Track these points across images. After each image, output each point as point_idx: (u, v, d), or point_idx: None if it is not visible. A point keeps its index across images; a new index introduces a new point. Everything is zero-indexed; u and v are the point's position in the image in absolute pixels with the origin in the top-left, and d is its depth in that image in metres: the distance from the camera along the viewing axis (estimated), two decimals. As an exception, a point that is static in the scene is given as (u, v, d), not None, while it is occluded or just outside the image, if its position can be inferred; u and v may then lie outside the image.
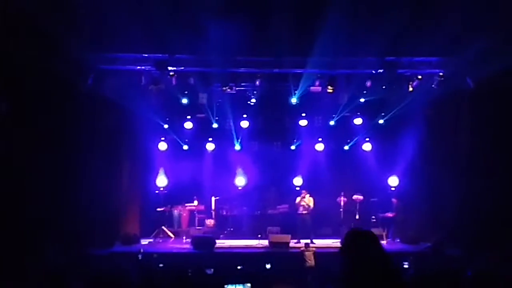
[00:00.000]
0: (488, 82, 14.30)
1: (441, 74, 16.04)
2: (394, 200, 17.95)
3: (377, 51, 15.17)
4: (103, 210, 15.73)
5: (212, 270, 8.66)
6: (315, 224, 18.06)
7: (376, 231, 17.42)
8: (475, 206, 15.22)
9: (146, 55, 15.86)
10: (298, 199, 17.69)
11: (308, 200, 17.58)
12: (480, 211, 14.97)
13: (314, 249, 14.71)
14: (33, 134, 13.36)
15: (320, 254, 14.57)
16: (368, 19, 13.77)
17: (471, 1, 13.16)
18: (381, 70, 16.12)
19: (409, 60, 16.03)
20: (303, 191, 17.77)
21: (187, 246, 16.21)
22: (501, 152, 14.60)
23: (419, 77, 16.25)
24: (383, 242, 17.09)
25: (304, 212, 17.56)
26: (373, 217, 18.34)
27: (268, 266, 9.90)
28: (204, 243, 15.70)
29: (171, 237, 17.82)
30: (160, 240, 17.40)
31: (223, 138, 19.46)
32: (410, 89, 16.58)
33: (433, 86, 16.32)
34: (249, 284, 7.41)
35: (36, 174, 13.50)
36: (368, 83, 16.84)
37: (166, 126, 18.79)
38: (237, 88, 17.32)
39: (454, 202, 16.10)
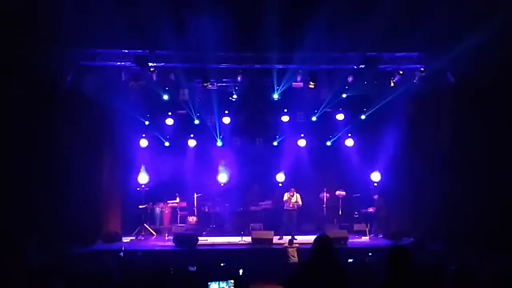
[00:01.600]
0: (469, 78, 14.33)
1: (422, 69, 16.10)
2: (375, 196, 17.97)
3: (358, 46, 15.15)
4: (84, 208, 15.52)
5: (195, 267, 8.57)
6: (299, 220, 18.04)
7: (359, 226, 17.58)
8: (457, 201, 15.27)
9: (126, 51, 15.71)
10: (286, 195, 17.52)
11: (296, 198, 17.55)
12: (462, 206, 15.03)
13: (297, 245, 14.67)
14: (12, 132, 13.15)
15: (303, 250, 14.53)
16: (350, 14, 13.75)
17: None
18: (362, 66, 16.14)
19: (390, 55, 16.07)
20: (292, 189, 17.68)
21: (169, 243, 16.09)
22: (482, 147, 14.64)
23: (401, 72, 16.30)
24: (366, 237, 17.15)
25: (292, 209, 17.50)
26: (356, 212, 18.39)
27: (241, 271, 9.84)
28: (186, 240, 15.59)
29: (153, 235, 17.69)
30: (142, 238, 17.26)
31: (204, 134, 19.37)
32: (392, 84, 16.64)
33: (414, 81, 16.38)
34: (232, 281, 7.35)
35: (15, 173, 13.26)
36: (350, 79, 16.85)
37: (147, 122, 18.67)
38: (218, 84, 17.31)
39: (436, 197, 16.15)
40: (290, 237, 15.35)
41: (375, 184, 18.34)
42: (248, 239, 16.34)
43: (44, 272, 9.39)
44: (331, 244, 5.64)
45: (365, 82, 17.19)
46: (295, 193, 17.54)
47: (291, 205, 17.43)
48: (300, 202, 17.55)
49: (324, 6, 13.47)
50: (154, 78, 16.38)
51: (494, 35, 12.53)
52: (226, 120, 18.83)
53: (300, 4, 13.99)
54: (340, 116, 18.94)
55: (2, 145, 12.79)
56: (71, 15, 13.54)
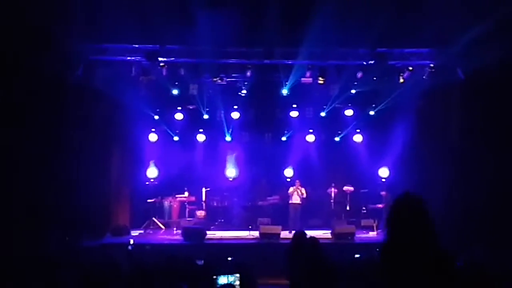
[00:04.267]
0: (479, 74, 14.28)
1: (431, 65, 16.07)
2: (383, 192, 17.96)
3: (368, 42, 15.17)
4: (94, 202, 15.61)
5: (203, 261, 8.63)
6: (306, 215, 18.09)
7: (366, 222, 17.57)
8: (465, 197, 15.25)
9: (136, 45, 15.75)
10: (291, 189, 17.66)
11: (302, 191, 17.63)
12: (470, 202, 15.00)
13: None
14: (24, 126, 13.26)
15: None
16: (359, 10, 13.76)
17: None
18: (372, 62, 16.11)
19: (400, 51, 16.01)
20: (297, 181, 17.79)
21: (178, 237, 16.17)
22: (491, 144, 14.60)
23: (410, 68, 16.25)
24: (374, 233, 17.15)
25: (298, 202, 17.58)
26: (364, 208, 18.39)
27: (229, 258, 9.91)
28: (194, 234, 15.65)
29: (162, 228, 17.77)
30: (151, 231, 17.35)
31: (214, 129, 19.44)
32: (401, 80, 16.61)
33: (424, 77, 16.35)
34: (238, 275, 7.39)
35: (26, 166, 13.39)
36: (359, 75, 16.83)
37: (156, 117, 18.74)
38: (227, 79, 17.31)
39: (444, 194, 16.11)
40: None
41: (383, 180, 18.31)
42: (256, 233, 16.38)
43: (56, 262, 9.51)
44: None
45: (374, 78, 17.14)
46: (299, 186, 17.63)
47: (298, 198, 17.54)
48: (305, 195, 17.65)
49: (334, 1, 13.49)
50: (164, 73, 16.43)
51: (503, 31, 12.51)
52: (235, 115, 18.88)
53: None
54: (349, 112, 18.94)
55: (14, 139, 12.90)
56: (81, 9, 13.65)
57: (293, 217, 17.51)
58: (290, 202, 17.70)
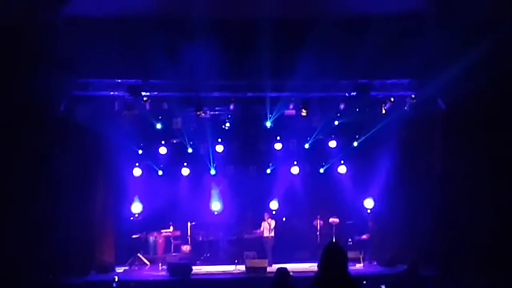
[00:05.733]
0: (459, 104, 14.46)
1: (413, 96, 16.23)
2: (369, 222, 17.96)
3: (350, 74, 15.31)
4: (77, 238, 15.43)
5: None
6: (293, 248, 18.04)
7: (353, 254, 17.45)
8: (450, 225, 15.28)
9: (119, 80, 15.76)
10: (264, 224, 17.96)
11: (271, 223, 17.91)
12: (456, 230, 15.03)
13: (291, 273, 14.56)
14: (4, 160, 13.16)
15: (298, 278, 14.41)
16: (340, 42, 13.96)
17: (441, 25, 13.43)
18: (354, 93, 16.24)
19: (381, 82, 16.17)
20: (265, 214, 18.07)
21: (163, 273, 15.99)
22: (474, 172, 14.70)
23: (392, 99, 16.43)
24: (360, 265, 17.07)
25: (267, 235, 17.84)
26: (350, 239, 18.29)
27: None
28: (180, 269, 15.48)
29: (147, 264, 17.56)
30: (136, 268, 17.13)
31: (198, 162, 19.39)
32: (383, 111, 16.75)
33: (405, 108, 16.50)
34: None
35: (8, 202, 13.26)
36: (342, 106, 16.97)
37: (140, 151, 18.70)
38: (211, 113, 17.37)
39: (430, 223, 16.15)
40: (285, 265, 15.24)
41: (369, 211, 18.31)
42: (242, 267, 16.24)
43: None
44: (342, 251, 5.40)
45: (357, 109, 17.31)
46: (268, 218, 17.91)
47: (266, 232, 17.84)
48: (272, 226, 17.90)
49: (315, 34, 13.70)
50: (147, 107, 16.46)
51: (483, 62, 12.69)
52: (219, 148, 18.87)
53: (292, 32, 14.20)
54: (332, 143, 18.99)
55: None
56: (63, 44, 13.68)
57: (266, 250, 17.67)
58: (264, 236, 17.94)
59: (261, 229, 18.01)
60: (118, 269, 16.73)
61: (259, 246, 18.21)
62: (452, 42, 13.18)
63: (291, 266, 15.17)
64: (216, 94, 16.37)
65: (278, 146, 19.01)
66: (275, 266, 15.24)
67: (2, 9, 11.75)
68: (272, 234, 17.91)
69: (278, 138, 18.91)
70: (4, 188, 12.96)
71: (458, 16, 13.05)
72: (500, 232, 13.66)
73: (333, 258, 5.17)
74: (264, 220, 18.05)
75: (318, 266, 5.29)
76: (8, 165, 13.07)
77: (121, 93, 15.98)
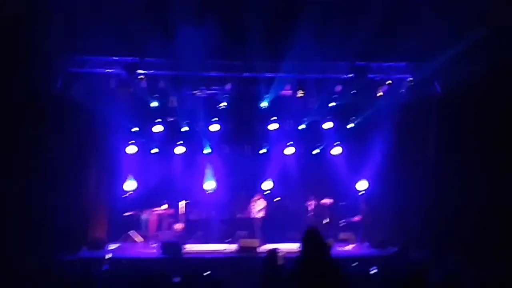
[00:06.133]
0: (455, 88, 14.47)
1: (410, 79, 16.23)
2: (362, 204, 18.03)
3: (347, 56, 15.26)
4: (70, 214, 15.40)
5: (179, 278, 8.56)
6: (284, 228, 18.10)
7: (345, 235, 17.60)
8: (442, 209, 15.40)
9: (115, 58, 15.67)
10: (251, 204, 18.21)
11: (260, 204, 18.08)
12: (447, 214, 15.16)
13: (283, 253, 14.66)
14: (1, 138, 13.14)
15: (289, 259, 14.51)
16: (338, 24, 13.87)
17: (440, 8, 13.35)
18: (351, 75, 16.21)
19: (378, 65, 16.15)
20: (257, 195, 18.12)
21: (155, 251, 16.04)
22: (468, 157, 14.74)
23: (388, 82, 16.39)
24: (352, 246, 17.17)
25: (256, 216, 18.00)
26: (342, 221, 18.39)
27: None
28: (172, 247, 15.52)
29: (139, 242, 17.61)
30: (128, 245, 17.17)
31: (193, 141, 19.30)
32: (380, 93, 16.72)
33: (402, 91, 16.48)
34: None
35: (3, 179, 13.25)
36: (338, 88, 16.93)
37: (135, 129, 18.61)
38: (207, 92, 17.28)
39: (422, 206, 16.26)
40: (276, 245, 15.36)
41: (362, 193, 18.36)
42: (234, 246, 16.32)
43: (31, 276, 9.39)
44: (320, 236, 6.00)
45: (353, 91, 17.26)
46: (256, 199, 18.04)
47: (254, 213, 18.01)
48: (257, 208, 18.10)
49: (313, 15, 13.60)
50: (143, 85, 16.39)
51: (480, 46, 12.67)
52: (215, 127, 18.81)
53: (289, 13, 14.09)
54: (328, 125, 18.96)
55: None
56: (59, 22, 13.56)
57: (255, 231, 17.85)
58: (255, 217, 18.15)
59: (248, 209, 18.18)
60: (110, 246, 16.74)
61: (251, 226, 18.30)
62: (450, 26, 13.11)
63: (283, 246, 15.38)
64: (212, 73, 16.31)
65: (273, 126, 18.97)
66: (265, 246, 15.42)
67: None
68: (261, 214, 18.04)
69: (274, 118, 18.84)
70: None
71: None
72: (491, 217, 13.74)
73: (310, 242, 5.77)
74: (252, 200, 18.18)
75: (299, 248, 5.87)
76: (3, 143, 13.05)
77: (117, 71, 15.91)
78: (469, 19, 12.89)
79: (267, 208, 18.24)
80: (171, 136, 19.20)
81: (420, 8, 13.82)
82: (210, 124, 18.74)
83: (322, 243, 5.82)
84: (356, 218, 17.97)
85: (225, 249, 16.46)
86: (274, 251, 8.90)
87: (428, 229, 15.73)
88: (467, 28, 12.98)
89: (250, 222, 18.31)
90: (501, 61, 12.85)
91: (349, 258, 14.77)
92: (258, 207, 18.02)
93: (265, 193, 18.80)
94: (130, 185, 18.13)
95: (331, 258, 5.88)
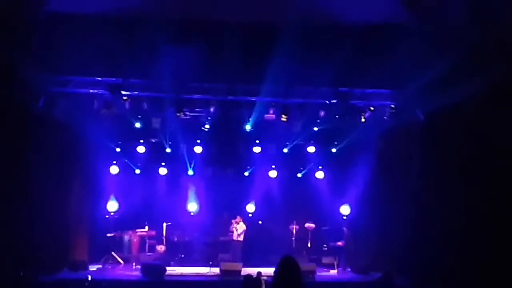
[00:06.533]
0: (437, 116, 14.57)
1: (392, 106, 16.34)
2: (344, 229, 18.05)
3: (330, 81, 15.33)
4: (51, 235, 15.32)
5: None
6: (267, 251, 18.05)
7: (327, 259, 17.60)
8: (424, 236, 15.40)
9: (99, 78, 15.62)
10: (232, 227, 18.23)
11: (237, 226, 18.14)
12: (428, 241, 15.15)
13: (265, 277, 14.60)
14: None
15: (269, 283, 14.46)
16: (322, 49, 13.99)
17: (420, 35, 13.52)
18: (334, 101, 16.29)
19: (361, 91, 16.21)
20: (238, 217, 18.21)
21: (137, 273, 15.92)
22: (449, 183, 14.80)
23: (371, 108, 16.49)
24: (334, 271, 17.16)
25: (235, 239, 18.06)
26: (325, 245, 18.40)
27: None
28: (154, 270, 15.43)
29: (121, 263, 17.48)
30: (109, 267, 17.04)
31: (176, 163, 19.33)
32: (363, 120, 16.81)
33: (385, 117, 16.59)
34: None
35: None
36: (322, 113, 17.02)
37: (118, 149, 18.55)
38: (191, 114, 17.28)
39: (404, 232, 16.26)
40: (260, 269, 15.32)
41: (345, 217, 18.38)
42: (216, 270, 16.23)
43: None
44: (297, 266, 5.92)
45: (337, 116, 17.32)
46: (241, 221, 18.12)
47: (235, 235, 18.01)
48: (237, 231, 18.13)
49: (296, 40, 13.69)
50: (127, 106, 16.36)
51: (462, 74, 12.78)
52: (198, 149, 18.81)
53: (274, 37, 14.17)
54: (311, 149, 19.03)
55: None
56: (44, 41, 13.57)
57: (235, 253, 17.93)
58: (234, 239, 18.21)
59: (229, 231, 18.23)
60: (92, 268, 16.64)
61: (234, 249, 18.24)
62: (433, 56, 13.25)
63: (265, 270, 15.35)
64: (196, 96, 16.32)
65: (257, 149, 19.01)
66: (247, 270, 15.37)
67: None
68: (241, 238, 18.05)
69: (258, 141, 18.89)
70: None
71: (435, 26, 13.16)
72: (471, 247, 13.78)
73: (284, 266, 5.78)
74: (232, 223, 18.23)
75: (274, 273, 5.84)
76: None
77: (101, 91, 15.86)
78: (448, 46, 13.04)
79: (247, 232, 18.22)
80: (154, 157, 19.18)
81: (402, 35, 13.96)
82: (194, 146, 18.71)
83: (296, 268, 5.78)
84: (339, 243, 17.93)
85: (207, 272, 16.37)
86: (250, 276, 8.54)
87: (411, 256, 15.72)
88: (450, 59, 13.10)
89: (232, 244, 18.24)
90: (483, 88, 12.99)
91: (331, 283, 14.79)
92: (239, 230, 17.95)
93: (249, 215, 18.79)
94: (112, 205, 18.01)
95: (304, 283, 5.85)
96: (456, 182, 14.65)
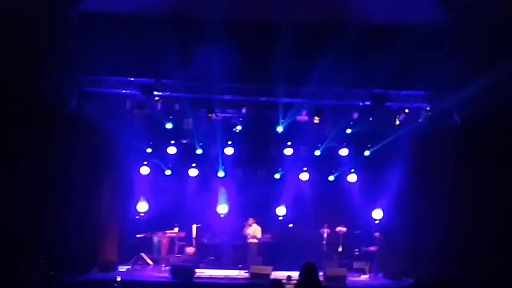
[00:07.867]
0: (474, 120, 14.25)
1: (428, 108, 16.01)
2: (377, 234, 17.74)
3: (365, 83, 15.11)
4: (82, 235, 15.36)
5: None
6: (297, 255, 17.82)
7: (359, 264, 17.30)
8: (458, 243, 15.08)
9: (131, 79, 15.62)
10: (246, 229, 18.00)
11: (254, 229, 17.81)
12: (463, 248, 14.83)
13: (295, 281, 14.41)
14: (13, 156, 13.13)
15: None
16: (358, 51, 13.78)
17: (462, 40, 13.23)
18: (368, 103, 16.04)
19: (396, 93, 15.94)
20: (250, 219, 17.91)
21: (166, 274, 15.84)
22: (484, 189, 14.50)
23: (407, 111, 16.21)
24: (366, 276, 16.87)
25: (251, 241, 17.76)
26: (356, 250, 18.08)
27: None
28: (183, 272, 15.34)
29: (150, 265, 17.43)
30: (139, 268, 17.03)
31: (207, 164, 19.17)
32: (397, 122, 16.52)
33: (420, 120, 16.29)
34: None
35: (13, 196, 13.21)
36: (355, 115, 16.77)
37: (149, 150, 18.51)
38: (223, 115, 17.20)
39: (437, 238, 15.93)
40: (291, 273, 15.14)
41: (377, 222, 18.06)
42: (246, 273, 16.07)
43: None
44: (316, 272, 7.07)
45: (370, 119, 17.08)
46: (254, 224, 17.76)
47: (249, 237, 17.77)
48: (259, 235, 17.74)
49: (332, 41, 13.53)
50: (159, 107, 16.35)
51: (501, 81, 12.50)
52: (229, 151, 18.67)
53: (309, 39, 14.01)
54: (344, 152, 18.71)
55: (3, 169, 12.73)
56: (77, 41, 13.61)
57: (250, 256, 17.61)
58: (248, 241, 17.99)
59: (244, 233, 17.97)
60: (121, 268, 16.61)
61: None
62: (471, 57, 12.96)
63: (296, 274, 15.05)
64: (228, 97, 16.22)
65: (288, 151, 18.79)
66: (277, 273, 15.21)
67: (16, 5, 11.68)
68: (255, 240, 17.80)
69: (289, 143, 18.67)
70: (12, 185, 12.91)
71: (479, 32, 12.88)
72: (506, 253, 13.49)
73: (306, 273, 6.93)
74: (247, 225, 18.00)
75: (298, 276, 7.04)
76: (16, 162, 13.03)
77: (133, 92, 15.88)
78: (491, 53, 12.76)
79: (275, 234, 18.25)
80: (185, 158, 19.08)
81: (442, 38, 13.70)
82: (225, 147, 18.59)
83: (315, 274, 7.02)
84: (372, 248, 17.62)
85: (236, 275, 16.22)
86: (275, 280, 10.15)
87: (443, 262, 15.38)
88: (488, 61, 12.81)
89: (248, 247, 18.02)
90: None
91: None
92: (252, 233, 17.79)
93: (279, 218, 18.59)
94: (142, 206, 17.99)
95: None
96: (493, 188, 14.35)
